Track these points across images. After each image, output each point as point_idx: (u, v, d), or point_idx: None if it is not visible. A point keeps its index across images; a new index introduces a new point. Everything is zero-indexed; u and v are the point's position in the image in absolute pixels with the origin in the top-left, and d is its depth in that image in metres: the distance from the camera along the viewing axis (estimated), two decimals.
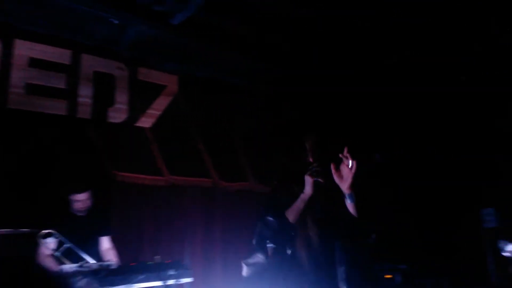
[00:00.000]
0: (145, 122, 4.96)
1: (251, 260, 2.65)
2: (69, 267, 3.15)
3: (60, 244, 3.41)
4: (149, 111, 5.01)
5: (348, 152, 2.42)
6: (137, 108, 4.92)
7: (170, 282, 3.46)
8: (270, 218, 2.53)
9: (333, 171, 2.42)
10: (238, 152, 5.65)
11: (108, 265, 3.25)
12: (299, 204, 2.46)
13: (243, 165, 5.65)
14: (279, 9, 4.51)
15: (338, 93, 5.89)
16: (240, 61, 5.45)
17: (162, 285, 3.41)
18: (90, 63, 4.66)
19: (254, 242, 2.66)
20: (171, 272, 3.47)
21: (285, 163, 2.77)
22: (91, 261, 3.32)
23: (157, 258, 3.57)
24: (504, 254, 3.90)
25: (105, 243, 3.88)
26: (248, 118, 5.75)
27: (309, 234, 2.52)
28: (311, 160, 2.58)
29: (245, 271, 2.67)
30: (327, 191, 2.50)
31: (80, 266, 3.15)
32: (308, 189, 2.44)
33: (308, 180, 2.44)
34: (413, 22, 4.59)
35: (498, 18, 4.44)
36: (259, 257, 2.61)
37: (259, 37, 5.07)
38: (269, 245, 2.58)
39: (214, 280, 5.03)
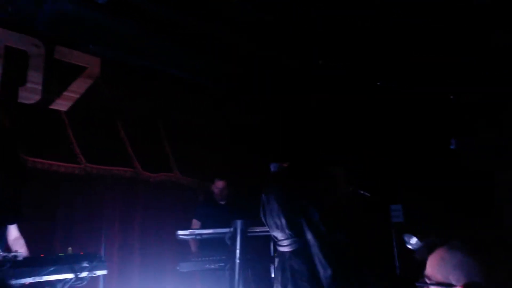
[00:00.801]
0: (62, 105, 4.64)
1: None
2: None
3: None
4: (66, 94, 4.69)
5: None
6: (52, 89, 4.58)
7: (83, 274, 3.28)
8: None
9: None
10: (163, 142, 5.49)
11: (14, 256, 2.98)
12: None
13: (168, 155, 5.51)
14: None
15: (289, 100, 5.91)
16: (171, 51, 5.28)
17: (74, 278, 3.22)
18: (1, 37, 4.26)
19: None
20: (85, 264, 3.29)
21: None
22: None
23: (69, 249, 3.38)
24: (408, 246, 4.22)
25: (13, 232, 3.58)
26: (178, 109, 5.61)
27: None
28: None
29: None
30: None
31: None
32: None
33: None
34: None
35: (498, 18, 4.50)
36: None
37: (195, 29, 4.92)
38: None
39: (131, 273, 4.87)
